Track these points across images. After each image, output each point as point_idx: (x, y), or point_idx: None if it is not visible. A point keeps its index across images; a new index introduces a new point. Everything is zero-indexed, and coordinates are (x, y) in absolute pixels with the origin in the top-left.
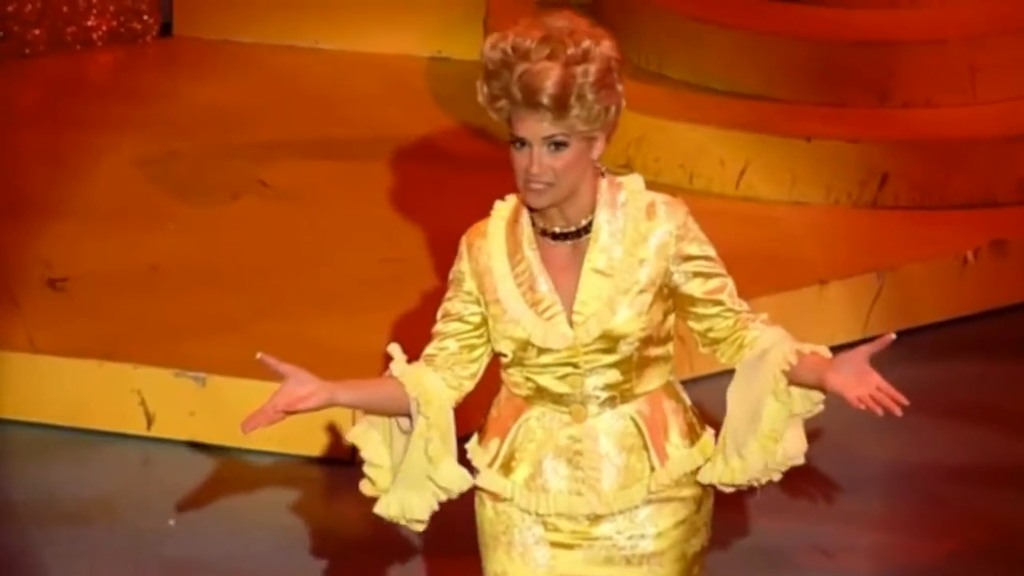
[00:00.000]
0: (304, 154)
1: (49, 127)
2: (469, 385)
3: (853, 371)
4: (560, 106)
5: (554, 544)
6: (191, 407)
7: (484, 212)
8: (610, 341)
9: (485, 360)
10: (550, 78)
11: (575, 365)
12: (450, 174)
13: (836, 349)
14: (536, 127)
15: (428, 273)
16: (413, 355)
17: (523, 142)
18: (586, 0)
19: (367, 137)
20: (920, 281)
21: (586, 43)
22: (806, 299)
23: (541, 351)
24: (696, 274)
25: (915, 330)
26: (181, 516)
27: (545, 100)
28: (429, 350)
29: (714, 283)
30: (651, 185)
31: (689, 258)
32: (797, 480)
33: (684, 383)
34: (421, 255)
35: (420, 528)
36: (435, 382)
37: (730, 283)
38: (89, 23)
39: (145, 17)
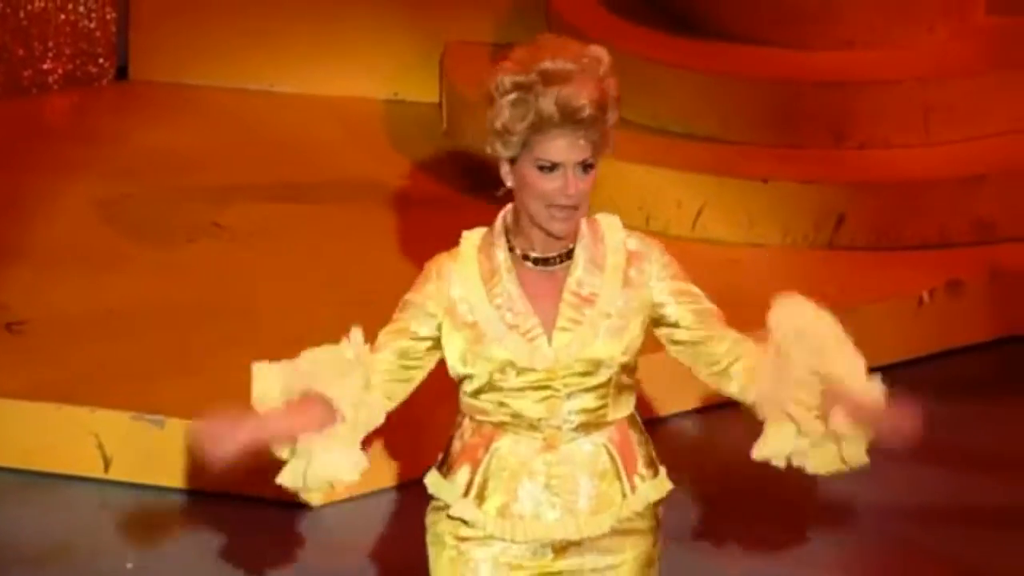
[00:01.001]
0: (259, 197)
1: (4, 170)
2: (394, 405)
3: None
4: (599, 121)
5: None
6: (149, 450)
7: (441, 251)
8: (591, 364)
9: (416, 384)
10: (588, 94)
11: (554, 388)
12: (407, 216)
13: None
14: (572, 149)
15: (385, 315)
16: None
17: (553, 166)
18: None
19: (323, 180)
20: (877, 322)
21: (601, 53)
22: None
23: (520, 372)
24: (683, 303)
25: (872, 370)
26: (138, 559)
27: (586, 114)
28: (377, 358)
29: (702, 307)
30: None
31: (677, 291)
32: (753, 520)
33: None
34: (377, 297)
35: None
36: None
37: (715, 310)
38: (45, 66)
39: (101, 61)
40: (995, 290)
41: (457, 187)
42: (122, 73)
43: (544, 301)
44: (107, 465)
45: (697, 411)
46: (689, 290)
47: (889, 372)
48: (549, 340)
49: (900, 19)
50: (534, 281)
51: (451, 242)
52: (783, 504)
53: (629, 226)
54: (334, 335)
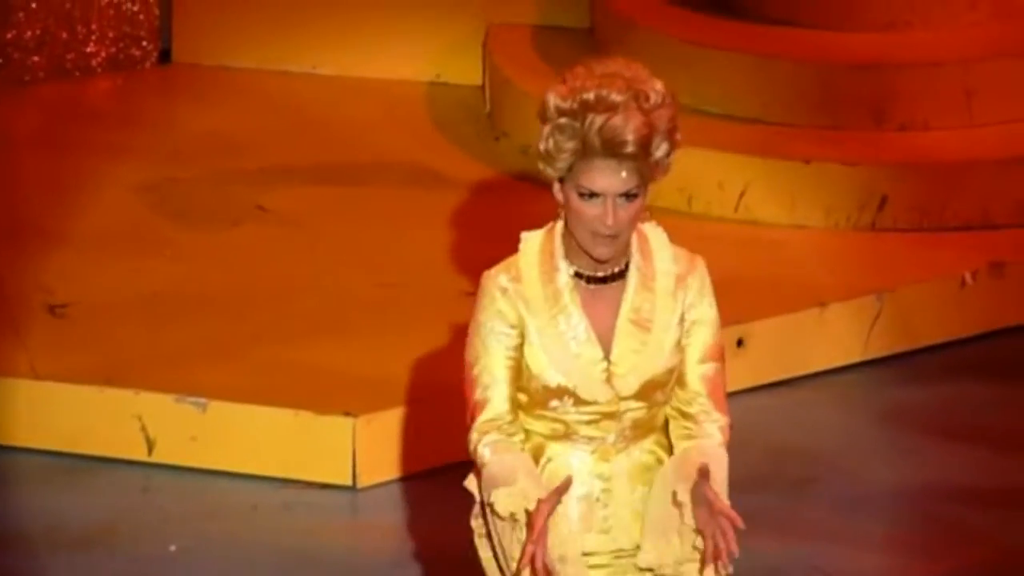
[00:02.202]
0: (303, 180)
1: (48, 153)
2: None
3: (704, 507)
4: (644, 154)
5: None
6: (192, 432)
7: (484, 235)
8: (647, 390)
9: None
10: (635, 126)
11: (610, 414)
12: (448, 199)
13: (836, 371)
14: (613, 180)
15: (426, 297)
16: (416, 378)
17: (596, 194)
18: (584, 25)
19: (366, 162)
20: (919, 303)
21: (659, 88)
22: (806, 322)
23: (579, 402)
24: (695, 339)
25: (914, 352)
26: (182, 542)
27: (630, 149)
28: (495, 407)
29: (706, 367)
30: (649, 209)
31: (698, 321)
32: (797, 502)
33: None
34: (420, 279)
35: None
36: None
37: (718, 369)
38: (88, 50)
39: (144, 44)
40: None
41: (500, 170)
42: (165, 56)
43: (602, 322)
44: (150, 448)
45: (740, 392)
46: (704, 339)
47: (932, 353)
48: (608, 370)
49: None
50: (590, 301)
51: (493, 225)
52: (821, 483)
53: (664, 210)
54: (376, 318)
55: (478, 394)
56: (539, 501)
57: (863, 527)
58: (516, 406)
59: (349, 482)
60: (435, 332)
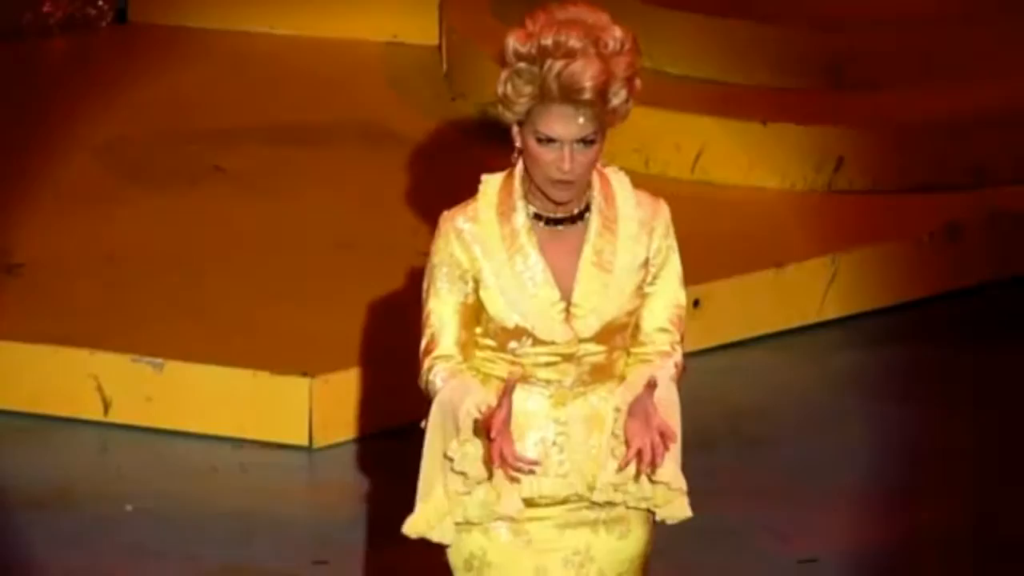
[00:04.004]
0: (260, 140)
1: (4, 115)
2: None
3: (641, 418)
4: (600, 99)
5: (530, 518)
6: (148, 392)
7: (440, 196)
8: (607, 333)
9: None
10: (593, 73)
11: (568, 356)
12: (405, 158)
13: (792, 332)
14: (570, 126)
15: (383, 258)
16: (372, 338)
17: (554, 140)
18: None
19: (323, 122)
20: (875, 265)
21: (618, 35)
22: (762, 283)
23: (537, 343)
24: (661, 286)
25: (869, 313)
26: (138, 502)
27: (587, 95)
28: (443, 345)
29: (667, 300)
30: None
31: (664, 263)
32: (750, 462)
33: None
34: (376, 240)
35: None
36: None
37: (681, 303)
38: (45, 9)
39: (100, 3)
40: (993, 233)
41: (456, 129)
42: (121, 16)
43: (562, 263)
44: (107, 408)
45: (696, 353)
46: (672, 273)
47: (887, 315)
48: (568, 310)
49: None
50: (549, 243)
51: (449, 185)
52: (777, 446)
53: (629, 171)
54: (333, 279)
55: (426, 338)
56: (488, 405)
57: (815, 488)
58: (465, 349)
59: (306, 442)
60: (392, 292)
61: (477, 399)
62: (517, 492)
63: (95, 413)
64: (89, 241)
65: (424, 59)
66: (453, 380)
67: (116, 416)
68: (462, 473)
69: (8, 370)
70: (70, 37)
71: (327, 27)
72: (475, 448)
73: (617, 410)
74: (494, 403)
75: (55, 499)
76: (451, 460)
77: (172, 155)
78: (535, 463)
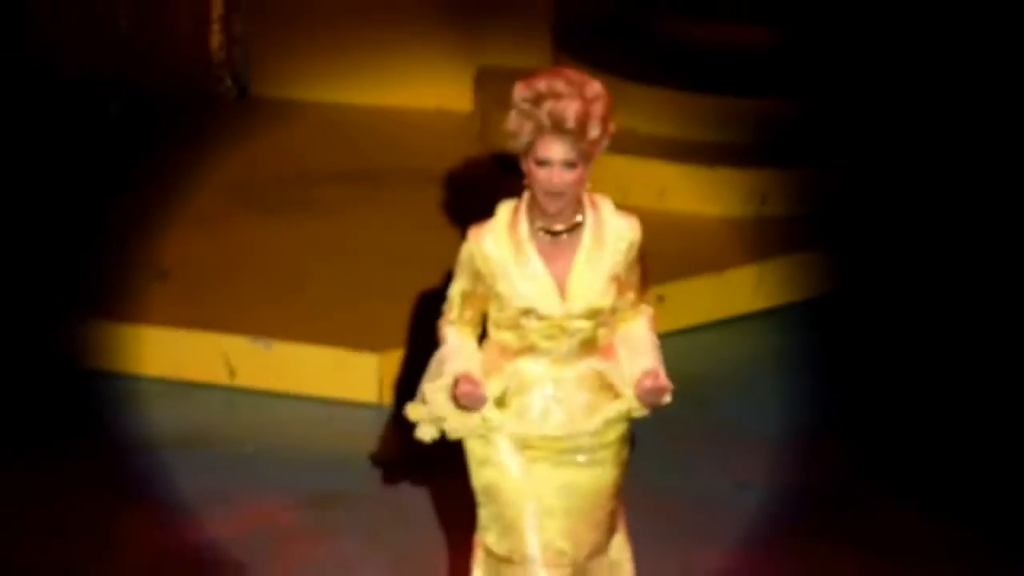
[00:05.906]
0: (340, 180)
1: (160, 163)
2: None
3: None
4: (580, 131)
5: (530, 459)
6: (262, 364)
7: (469, 222)
8: (591, 313)
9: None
10: (575, 110)
11: (562, 328)
12: (445, 196)
13: (733, 319)
14: (558, 150)
15: (429, 267)
16: (422, 322)
17: (546, 162)
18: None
19: (386, 168)
20: (791, 271)
21: (596, 86)
22: (709, 282)
23: (539, 318)
24: (631, 274)
25: (788, 305)
26: (255, 444)
27: (570, 126)
28: (455, 315)
29: (634, 285)
30: None
31: (633, 266)
32: (705, 418)
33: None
34: (424, 254)
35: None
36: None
37: (644, 287)
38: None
39: (228, 83)
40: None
41: (483, 175)
42: (243, 92)
43: (558, 263)
44: (232, 375)
45: (660, 336)
46: (634, 276)
47: (805, 305)
48: (562, 295)
49: None
50: (549, 247)
51: (476, 215)
52: (719, 405)
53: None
54: (392, 280)
55: (446, 308)
56: (466, 373)
57: (751, 435)
58: (470, 321)
59: (376, 401)
60: (434, 291)
61: (459, 367)
62: (436, 428)
63: (224, 379)
64: (218, 253)
65: (462, 122)
66: (456, 342)
67: (239, 381)
68: (426, 404)
69: (160, 348)
70: (206, 107)
71: (390, 98)
72: (443, 395)
73: (600, 373)
74: (472, 374)
75: (195, 441)
76: (423, 394)
77: (279, 191)
78: (481, 400)
